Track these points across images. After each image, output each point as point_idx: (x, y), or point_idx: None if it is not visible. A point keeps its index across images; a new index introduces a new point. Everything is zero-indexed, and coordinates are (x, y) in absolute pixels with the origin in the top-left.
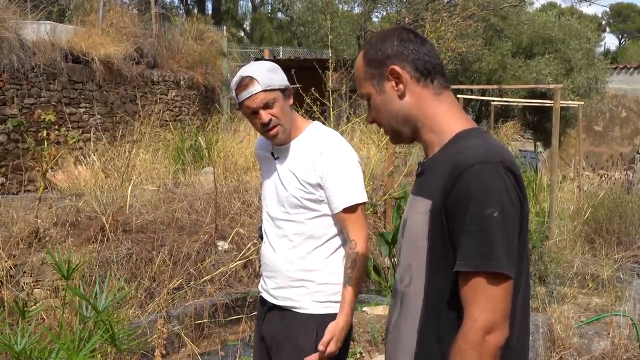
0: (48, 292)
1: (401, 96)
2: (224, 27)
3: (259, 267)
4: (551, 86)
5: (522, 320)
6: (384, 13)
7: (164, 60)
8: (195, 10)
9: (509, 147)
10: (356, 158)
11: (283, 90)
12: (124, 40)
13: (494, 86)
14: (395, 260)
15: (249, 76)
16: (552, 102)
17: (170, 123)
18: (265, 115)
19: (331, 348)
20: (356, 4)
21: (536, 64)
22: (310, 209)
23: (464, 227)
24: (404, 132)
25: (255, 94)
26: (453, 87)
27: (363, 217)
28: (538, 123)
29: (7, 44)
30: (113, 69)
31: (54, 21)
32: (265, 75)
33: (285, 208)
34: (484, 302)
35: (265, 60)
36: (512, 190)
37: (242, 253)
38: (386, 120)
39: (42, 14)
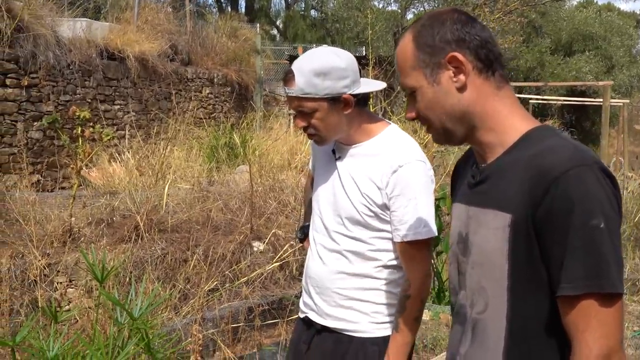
0: (82, 292)
1: (461, 89)
2: (257, 25)
3: (296, 269)
4: (600, 83)
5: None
6: (421, 9)
7: (198, 58)
8: (229, 8)
9: None
10: (433, 182)
11: (333, 99)
12: (159, 37)
13: (539, 83)
14: (445, 268)
15: (292, 71)
16: (594, 100)
17: (204, 120)
18: (299, 122)
19: None
20: (392, 0)
21: (576, 61)
22: (373, 228)
23: (567, 242)
24: (457, 131)
25: (291, 96)
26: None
27: (427, 254)
28: (577, 122)
29: (44, 41)
30: (148, 66)
31: (89, 18)
32: (308, 78)
33: (342, 220)
34: (598, 328)
35: (321, 51)
36: (612, 197)
37: (278, 255)
38: (437, 117)
39: (78, 12)
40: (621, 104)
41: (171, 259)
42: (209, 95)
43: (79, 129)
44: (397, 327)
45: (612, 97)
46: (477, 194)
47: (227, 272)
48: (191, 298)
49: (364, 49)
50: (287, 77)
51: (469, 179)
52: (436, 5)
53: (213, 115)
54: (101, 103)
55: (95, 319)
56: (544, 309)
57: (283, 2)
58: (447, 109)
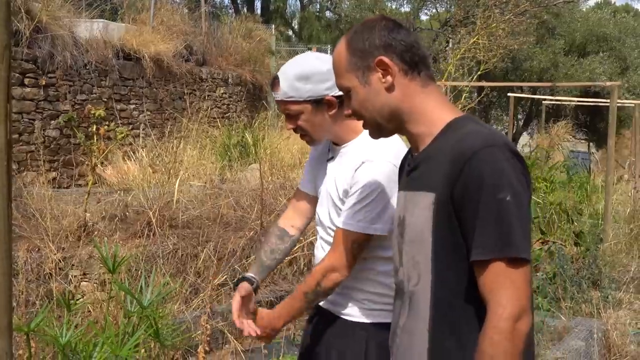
0: (95, 285)
1: (389, 89)
2: (273, 26)
3: (304, 264)
4: (608, 83)
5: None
6: (434, 10)
7: (213, 58)
8: (245, 10)
9: (560, 147)
10: (391, 178)
11: (316, 101)
12: (174, 38)
13: (547, 84)
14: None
15: (277, 76)
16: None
17: (218, 120)
18: (288, 124)
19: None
20: (405, 1)
21: (589, 62)
22: None
23: (478, 214)
24: (387, 126)
25: (277, 100)
26: (503, 84)
27: (350, 247)
28: (591, 123)
29: (61, 42)
30: (163, 66)
31: (106, 19)
32: (291, 82)
33: (331, 216)
34: (510, 289)
35: (304, 56)
36: (520, 174)
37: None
38: (369, 114)
39: (96, 13)
40: (633, 104)
41: (182, 254)
42: (223, 95)
43: (94, 127)
44: (296, 291)
45: (625, 99)
46: (412, 179)
47: (236, 267)
48: (201, 292)
49: None
50: (273, 82)
51: (406, 167)
52: (448, 6)
53: (227, 114)
54: (117, 102)
55: (107, 309)
56: (465, 279)
57: (298, 3)
58: (378, 107)
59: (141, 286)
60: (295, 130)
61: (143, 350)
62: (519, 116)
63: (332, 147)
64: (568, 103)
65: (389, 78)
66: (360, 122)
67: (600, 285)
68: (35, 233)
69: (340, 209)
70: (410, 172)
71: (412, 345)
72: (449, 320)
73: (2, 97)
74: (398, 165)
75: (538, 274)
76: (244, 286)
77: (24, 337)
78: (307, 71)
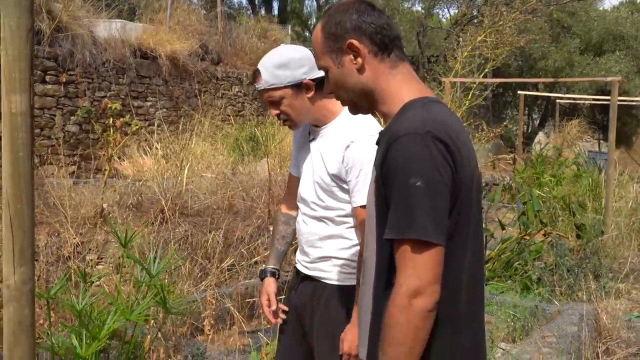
0: (110, 267)
1: (360, 70)
2: (289, 26)
3: None
4: (608, 79)
5: (472, 290)
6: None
7: (228, 57)
8: (263, 10)
9: (572, 145)
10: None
11: (296, 85)
12: (190, 37)
13: (551, 79)
14: None
15: (258, 69)
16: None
17: (232, 118)
18: (272, 111)
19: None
20: (417, 1)
21: (605, 61)
22: (339, 197)
23: (392, 196)
24: (361, 104)
25: (260, 90)
26: (505, 80)
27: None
28: (607, 122)
29: (81, 40)
30: (179, 64)
31: (124, 19)
32: (271, 72)
33: (316, 192)
34: (409, 269)
35: (279, 48)
36: (439, 159)
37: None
38: (344, 92)
39: (114, 13)
40: None
41: (193, 240)
42: (238, 94)
43: (111, 119)
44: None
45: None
46: (375, 156)
47: (243, 251)
48: (210, 275)
49: None
50: (255, 75)
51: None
52: (459, 5)
53: (241, 113)
54: (134, 99)
55: (119, 281)
56: (392, 254)
57: (315, 4)
58: (351, 86)
59: (150, 259)
60: (278, 116)
61: (153, 322)
62: (534, 115)
63: (313, 129)
64: (583, 102)
65: (359, 60)
66: (337, 104)
67: (600, 276)
68: (55, 219)
69: (327, 185)
70: (376, 145)
71: (363, 303)
72: (385, 285)
73: (27, 68)
74: None
75: (537, 263)
76: (270, 283)
77: (45, 303)
78: (284, 59)
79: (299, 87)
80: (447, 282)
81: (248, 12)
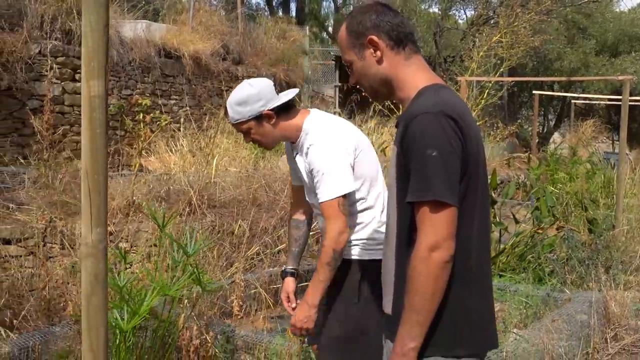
0: (142, 255)
1: (379, 61)
2: (307, 27)
3: None
4: (620, 78)
5: (481, 247)
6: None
7: (248, 57)
8: (280, 12)
9: (587, 145)
10: (337, 148)
11: (257, 117)
12: (212, 37)
13: (564, 79)
14: None
15: (226, 107)
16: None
17: None
18: (246, 139)
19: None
20: (434, 2)
21: (621, 62)
22: None
23: (411, 166)
24: (381, 91)
25: (232, 124)
26: (529, 79)
27: (337, 211)
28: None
29: (109, 40)
30: (201, 64)
31: (149, 20)
32: (234, 109)
33: (312, 195)
34: (428, 226)
35: (239, 86)
36: (450, 133)
37: (312, 226)
38: (367, 82)
39: (139, 14)
40: None
41: (219, 230)
42: None
43: (141, 114)
44: (315, 270)
45: None
46: (395, 136)
47: (268, 240)
48: (236, 262)
49: None
50: (225, 112)
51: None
52: (475, 6)
53: None
54: (158, 97)
55: (157, 260)
56: (413, 216)
57: (332, 5)
58: (371, 76)
59: (186, 241)
60: (252, 142)
61: (186, 301)
62: (550, 116)
63: (292, 146)
64: (598, 103)
65: (378, 53)
66: (301, 120)
67: (610, 268)
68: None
69: (314, 187)
70: (396, 128)
71: (387, 265)
72: (407, 247)
73: (103, 57)
74: (341, 135)
75: (549, 255)
76: (289, 283)
77: None
78: (243, 97)
79: (260, 118)
80: (459, 240)
81: (265, 13)
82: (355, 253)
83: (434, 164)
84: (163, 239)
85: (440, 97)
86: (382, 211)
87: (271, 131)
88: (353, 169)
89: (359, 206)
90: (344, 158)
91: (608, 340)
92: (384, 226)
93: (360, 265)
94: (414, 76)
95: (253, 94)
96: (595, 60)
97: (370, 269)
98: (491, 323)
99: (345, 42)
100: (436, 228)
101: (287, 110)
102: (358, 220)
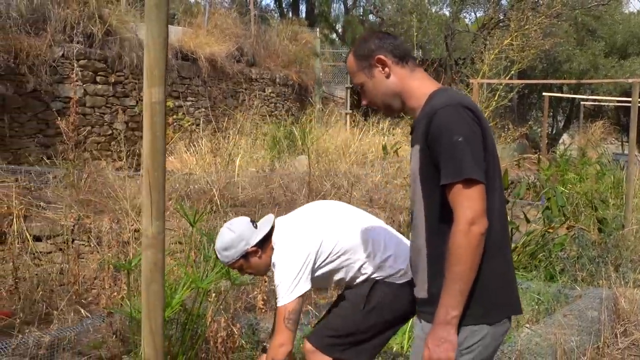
0: (168, 252)
1: (387, 77)
2: (317, 29)
3: None
4: (630, 80)
5: (502, 220)
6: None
7: (262, 59)
8: (290, 14)
9: (595, 146)
10: (295, 258)
11: (244, 256)
12: (227, 40)
13: (573, 81)
14: None
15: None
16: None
17: (267, 117)
18: (242, 274)
19: None
20: (445, 5)
21: (630, 64)
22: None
23: (441, 153)
24: (394, 104)
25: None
26: (539, 82)
27: (282, 324)
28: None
29: (129, 43)
30: (217, 66)
31: None
32: (222, 255)
33: None
34: (465, 202)
35: (221, 232)
36: (470, 120)
37: None
38: (379, 99)
39: None
40: None
41: None
42: (271, 94)
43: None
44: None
45: None
46: (412, 138)
47: None
48: None
49: (420, 51)
50: (216, 257)
51: (411, 131)
52: (486, 9)
53: (274, 112)
54: (175, 99)
55: (188, 255)
56: (440, 201)
57: (342, 7)
58: (383, 92)
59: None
60: (248, 274)
61: (214, 296)
62: (559, 117)
63: None
64: (607, 104)
65: (386, 69)
66: (275, 238)
67: (620, 266)
68: (113, 209)
69: None
70: (411, 134)
71: (418, 254)
72: (436, 231)
73: (163, 67)
74: (298, 247)
75: (560, 254)
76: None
77: (125, 272)
78: (226, 243)
79: (247, 255)
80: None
81: (275, 15)
82: (367, 272)
83: (461, 148)
84: (191, 236)
85: (450, 94)
86: (380, 250)
87: (259, 262)
88: (324, 263)
89: (359, 265)
90: (296, 274)
91: (618, 335)
92: (390, 259)
93: (372, 282)
94: (421, 85)
95: (234, 237)
96: (605, 62)
97: (380, 284)
98: (514, 290)
99: (354, 66)
100: (473, 204)
101: (268, 238)
102: (363, 272)
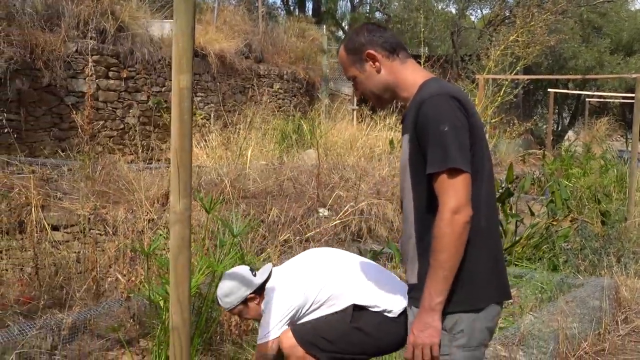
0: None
1: (378, 71)
2: (324, 26)
3: (357, 229)
4: (633, 75)
5: (489, 209)
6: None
7: (270, 56)
8: (297, 11)
9: (601, 142)
10: (278, 307)
11: (244, 302)
12: (235, 36)
13: (578, 77)
14: None
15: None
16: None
17: (274, 112)
18: (241, 319)
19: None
20: (451, 2)
21: (636, 61)
22: None
23: (428, 142)
24: (385, 96)
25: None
26: (544, 77)
27: (256, 355)
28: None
29: (140, 39)
30: (226, 62)
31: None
32: (223, 301)
33: None
34: (449, 191)
35: (222, 281)
36: (457, 110)
37: (339, 215)
38: (370, 91)
39: (168, 13)
40: None
41: (251, 219)
42: (279, 90)
43: None
44: None
45: None
46: (403, 128)
47: (298, 227)
48: (269, 248)
49: (427, 48)
50: (217, 303)
51: (401, 121)
52: (492, 7)
53: (282, 108)
54: None
55: (204, 238)
56: (428, 188)
57: (349, 4)
58: (374, 84)
59: (232, 221)
60: (247, 319)
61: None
62: (564, 114)
63: None
64: (612, 101)
65: (377, 64)
66: (273, 281)
67: (622, 257)
68: (127, 200)
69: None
70: (402, 123)
71: (408, 242)
72: (424, 218)
73: (190, 56)
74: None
75: (563, 245)
76: None
77: (144, 257)
78: (226, 290)
79: (246, 301)
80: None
81: (281, 12)
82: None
83: (448, 138)
84: (205, 224)
85: (441, 84)
86: (369, 293)
87: (257, 308)
88: (310, 310)
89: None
90: (277, 321)
91: (619, 322)
92: (370, 294)
93: (354, 307)
94: (412, 75)
95: (234, 285)
96: (610, 59)
97: (369, 311)
98: (503, 277)
99: (346, 60)
100: (457, 193)
101: (264, 284)
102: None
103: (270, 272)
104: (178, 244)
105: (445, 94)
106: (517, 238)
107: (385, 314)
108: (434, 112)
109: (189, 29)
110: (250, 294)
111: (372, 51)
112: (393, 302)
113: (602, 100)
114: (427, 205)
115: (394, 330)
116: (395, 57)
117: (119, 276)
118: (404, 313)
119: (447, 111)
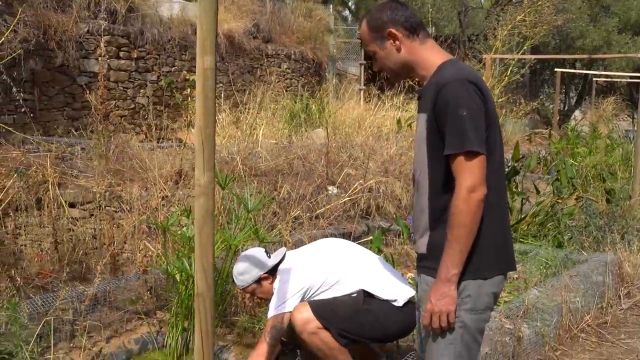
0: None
1: (398, 50)
2: (331, 6)
3: (365, 206)
4: None
5: (498, 186)
6: None
7: (277, 36)
8: None
9: (607, 122)
10: (290, 285)
11: (257, 281)
12: (244, 16)
13: (585, 56)
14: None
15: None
16: None
17: (282, 92)
18: (252, 299)
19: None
20: None
21: None
22: None
23: (447, 125)
24: (402, 73)
25: (241, 290)
26: (551, 57)
27: (265, 329)
28: None
29: (150, 20)
30: (234, 42)
31: (184, 0)
32: (238, 279)
33: None
34: (466, 172)
35: (238, 260)
36: (474, 95)
37: (347, 193)
38: (389, 68)
39: None
40: None
41: (262, 197)
42: (287, 70)
43: (189, 89)
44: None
45: None
46: (419, 105)
47: (309, 204)
48: (279, 225)
49: (434, 28)
50: (232, 281)
51: (417, 97)
52: None
53: (290, 88)
54: (194, 74)
55: (219, 215)
56: (444, 167)
57: None
58: (393, 62)
59: (247, 197)
60: (258, 299)
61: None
62: (571, 94)
63: None
64: (620, 80)
65: (397, 42)
66: (283, 268)
67: (626, 234)
68: (141, 178)
69: None
70: (418, 100)
71: (421, 216)
72: (439, 193)
73: (214, 37)
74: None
75: (568, 222)
76: None
77: (162, 231)
78: (241, 269)
79: (259, 281)
80: None
81: None
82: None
83: (465, 122)
84: (221, 200)
85: (458, 67)
86: (364, 278)
87: (269, 288)
88: (318, 291)
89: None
90: (286, 297)
91: (621, 297)
92: (378, 282)
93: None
94: (430, 55)
95: (249, 265)
96: (618, 38)
97: (377, 299)
98: (509, 250)
99: (367, 36)
100: (473, 173)
101: (277, 267)
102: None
103: (284, 255)
104: (203, 215)
105: (464, 78)
106: (522, 215)
107: (392, 302)
108: (453, 97)
109: (212, 12)
110: (264, 274)
111: (393, 30)
112: (399, 292)
113: (609, 79)
114: (443, 184)
115: (400, 319)
116: (415, 37)
117: (137, 250)
118: (408, 303)
119: (464, 96)
